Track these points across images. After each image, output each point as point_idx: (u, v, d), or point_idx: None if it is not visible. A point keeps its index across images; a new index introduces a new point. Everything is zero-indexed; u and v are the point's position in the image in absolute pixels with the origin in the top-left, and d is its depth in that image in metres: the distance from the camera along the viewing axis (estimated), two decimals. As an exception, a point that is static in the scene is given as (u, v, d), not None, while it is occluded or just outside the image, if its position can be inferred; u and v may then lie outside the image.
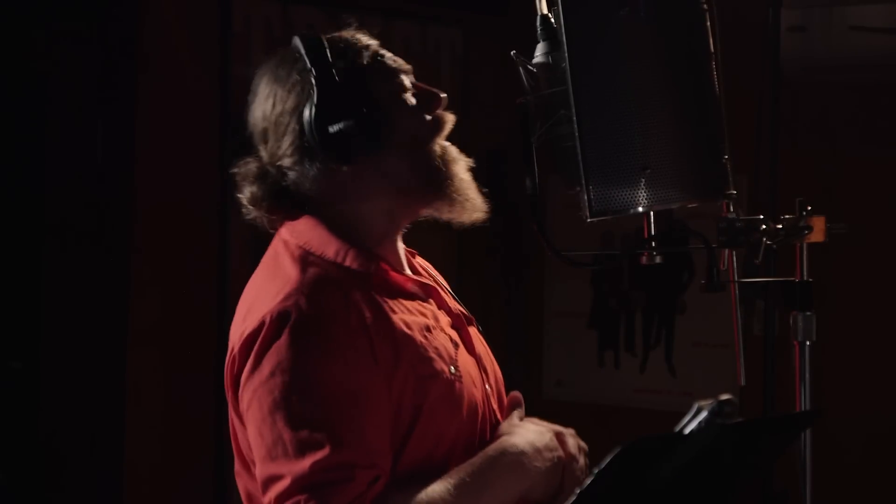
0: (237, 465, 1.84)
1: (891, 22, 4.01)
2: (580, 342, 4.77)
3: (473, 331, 1.93)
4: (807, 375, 1.99)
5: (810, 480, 1.99)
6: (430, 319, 1.83)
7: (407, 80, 1.85)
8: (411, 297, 1.84)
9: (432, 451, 1.74)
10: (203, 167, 3.90)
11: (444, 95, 1.86)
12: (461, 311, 1.93)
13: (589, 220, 1.82)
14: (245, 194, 1.85)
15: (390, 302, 1.79)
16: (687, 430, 1.34)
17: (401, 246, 1.91)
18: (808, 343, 2.00)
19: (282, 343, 1.69)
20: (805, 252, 2.00)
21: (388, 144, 1.79)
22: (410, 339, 1.76)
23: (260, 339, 1.70)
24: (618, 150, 1.79)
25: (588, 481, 1.33)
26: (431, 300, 1.88)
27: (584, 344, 4.76)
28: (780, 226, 1.97)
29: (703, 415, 1.33)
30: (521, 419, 1.88)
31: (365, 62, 1.82)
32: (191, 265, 3.88)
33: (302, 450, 1.65)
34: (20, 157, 3.77)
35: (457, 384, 1.78)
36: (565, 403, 4.76)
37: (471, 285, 4.65)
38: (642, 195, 1.79)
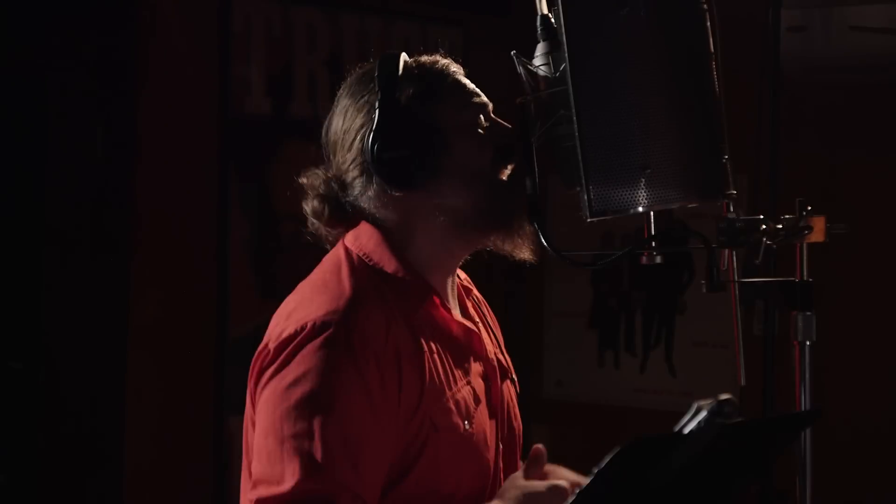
0: (244, 464, 1.84)
1: (891, 22, 4.01)
2: (580, 342, 4.77)
3: (505, 385, 1.92)
4: (807, 375, 1.99)
5: (810, 480, 1.99)
6: (460, 369, 1.82)
7: (481, 115, 1.85)
8: (451, 340, 1.84)
9: (426, 497, 1.74)
10: (203, 167, 3.90)
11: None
12: (500, 361, 1.92)
13: (589, 220, 1.81)
14: (308, 206, 1.86)
15: (429, 339, 1.79)
16: (687, 430, 1.34)
17: (455, 281, 1.90)
18: (808, 343, 1.99)
19: (314, 355, 1.69)
20: (805, 252, 2.00)
21: (446, 176, 1.79)
22: (435, 384, 1.76)
23: (295, 344, 1.70)
24: (618, 150, 1.78)
25: (588, 481, 1.33)
26: (471, 347, 1.87)
27: (584, 344, 4.76)
28: (780, 226, 1.97)
29: (703, 415, 1.33)
30: (531, 475, 1.83)
31: (438, 90, 1.82)
32: (191, 265, 3.88)
33: (297, 466, 1.65)
34: (20, 157, 3.77)
35: (468, 441, 1.78)
36: (565, 403, 4.77)
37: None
38: (642, 195, 1.79)
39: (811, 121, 4.22)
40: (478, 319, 1.95)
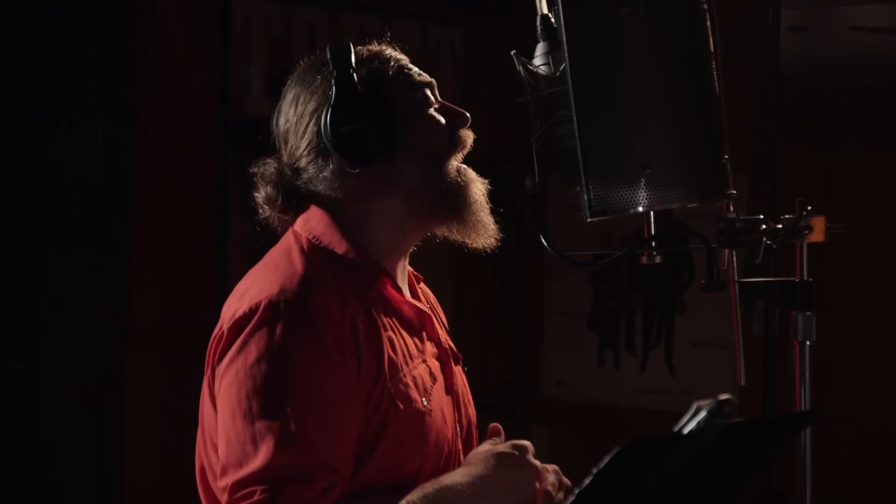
0: (199, 439, 1.85)
1: (891, 22, 4.01)
2: (580, 342, 4.76)
3: (458, 370, 1.93)
4: (807, 375, 1.99)
5: (810, 480, 1.99)
6: (414, 347, 1.84)
7: (428, 91, 1.87)
8: (403, 319, 1.85)
9: (392, 477, 1.74)
10: (203, 167, 3.90)
11: (468, 115, 1.87)
12: (450, 347, 1.93)
13: (589, 220, 1.82)
14: (261, 194, 1.88)
15: (383, 317, 1.80)
16: (686, 430, 1.34)
17: (406, 266, 1.91)
18: (808, 343, 2.00)
19: (273, 332, 1.69)
20: (805, 252, 2.00)
21: (403, 153, 1.81)
22: (393, 361, 1.77)
23: (252, 323, 1.71)
24: (618, 150, 1.79)
25: (587, 481, 1.33)
26: (424, 328, 1.89)
27: (584, 344, 4.76)
28: (780, 226, 1.97)
29: (703, 415, 1.33)
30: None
31: (390, 72, 1.84)
32: (191, 265, 3.88)
33: (270, 442, 1.65)
34: (20, 157, 3.77)
35: (427, 417, 1.79)
36: (565, 403, 4.76)
37: (470, 286, 4.65)
38: (642, 195, 1.79)
39: (811, 121, 4.22)
40: (426, 305, 1.95)
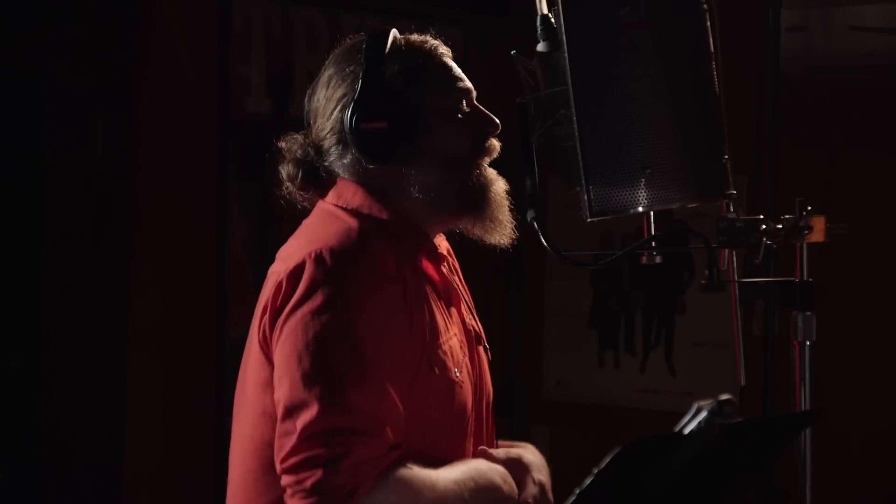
0: (238, 395, 1.82)
1: (891, 22, 4.01)
2: (580, 342, 4.77)
3: (480, 350, 1.93)
4: (807, 375, 1.99)
5: (810, 480, 1.99)
6: (448, 318, 1.84)
7: (464, 100, 1.85)
8: (438, 291, 1.85)
9: (415, 441, 1.73)
10: (203, 167, 3.90)
11: (499, 123, 1.86)
12: (474, 327, 1.93)
13: (589, 220, 1.82)
14: (284, 169, 1.87)
15: (426, 285, 1.80)
16: (687, 430, 1.34)
17: (440, 242, 1.90)
18: (808, 343, 2.00)
19: (342, 278, 1.68)
20: (805, 252, 2.00)
21: (423, 157, 1.80)
22: (434, 326, 1.77)
23: (312, 272, 1.68)
24: (618, 150, 1.79)
25: (588, 481, 1.33)
26: (452, 304, 1.89)
27: (584, 344, 4.76)
28: (780, 226, 1.97)
29: (703, 415, 1.33)
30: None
31: (423, 71, 1.83)
32: (191, 265, 3.88)
33: (346, 386, 1.64)
34: (20, 156, 3.77)
35: (457, 388, 1.79)
36: (565, 403, 4.76)
37: (471, 285, 4.65)
38: (642, 195, 1.79)
39: (811, 121, 4.22)
40: (456, 282, 1.95)
